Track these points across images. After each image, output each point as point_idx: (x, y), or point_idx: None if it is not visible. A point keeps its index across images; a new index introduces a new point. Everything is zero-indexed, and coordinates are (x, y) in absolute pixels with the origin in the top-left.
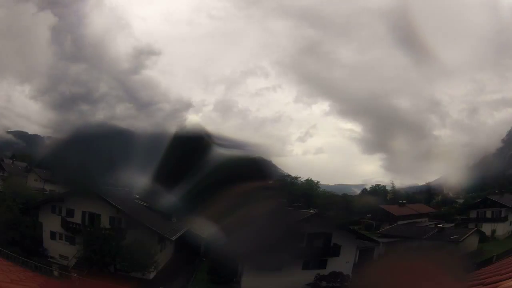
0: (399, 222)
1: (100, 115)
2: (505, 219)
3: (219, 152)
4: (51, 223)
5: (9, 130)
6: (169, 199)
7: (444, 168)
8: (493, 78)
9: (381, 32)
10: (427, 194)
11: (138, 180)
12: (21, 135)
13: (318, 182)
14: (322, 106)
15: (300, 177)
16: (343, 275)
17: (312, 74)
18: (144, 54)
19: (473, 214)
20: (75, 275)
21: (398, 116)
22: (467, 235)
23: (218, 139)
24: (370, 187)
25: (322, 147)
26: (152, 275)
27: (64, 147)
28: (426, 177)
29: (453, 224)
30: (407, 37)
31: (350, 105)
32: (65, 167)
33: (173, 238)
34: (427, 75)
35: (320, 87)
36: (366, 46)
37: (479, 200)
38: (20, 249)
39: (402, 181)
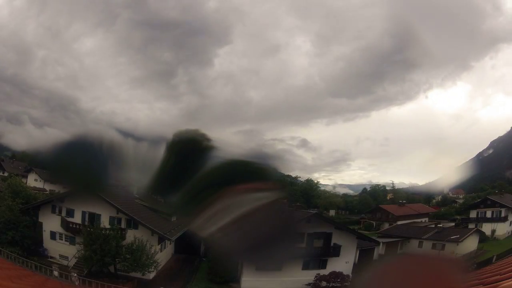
0: (399, 222)
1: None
2: (505, 219)
3: (219, 153)
4: (51, 223)
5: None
6: (169, 199)
7: (444, 168)
8: None
9: None
10: (427, 194)
11: (138, 180)
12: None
13: (318, 182)
14: None
15: (300, 177)
16: (343, 275)
17: None
18: None
19: (473, 214)
20: (75, 275)
21: None
22: (467, 235)
23: (217, 142)
24: (370, 187)
25: None
26: (152, 275)
27: (66, 148)
28: (426, 177)
29: (453, 224)
30: None
31: None
32: (67, 167)
33: (173, 238)
34: None
35: None
36: None
37: (479, 200)
38: (20, 249)
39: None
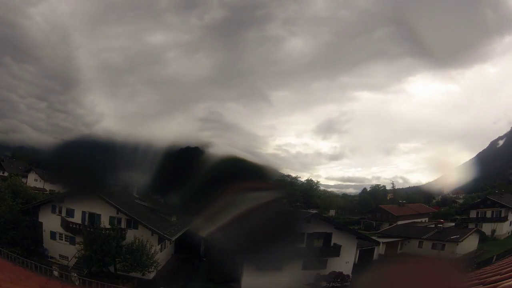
0: (399, 222)
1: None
2: (505, 219)
3: (218, 154)
4: (51, 223)
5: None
6: (169, 199)
7: (444, 168)
8: None
9: None
10: (427, 194)
11: (138, 180)
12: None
13: (318, 182)
14: None
15: (300, 177)
16: (343, 275)
17: None
18: None
19: (473, 214)
20: (75, 275)
21: None
22: (467, 235)
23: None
24: (370, 187)
25: None
26: (152, 275)
27: (67, 149)
28: (426, 177)
29: (453, 224)
30: None
31: None
32: (69, 168)
33: (173, 238)
34: None
35: None
36: None
37: (479, 200)
38: (20, 249)
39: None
